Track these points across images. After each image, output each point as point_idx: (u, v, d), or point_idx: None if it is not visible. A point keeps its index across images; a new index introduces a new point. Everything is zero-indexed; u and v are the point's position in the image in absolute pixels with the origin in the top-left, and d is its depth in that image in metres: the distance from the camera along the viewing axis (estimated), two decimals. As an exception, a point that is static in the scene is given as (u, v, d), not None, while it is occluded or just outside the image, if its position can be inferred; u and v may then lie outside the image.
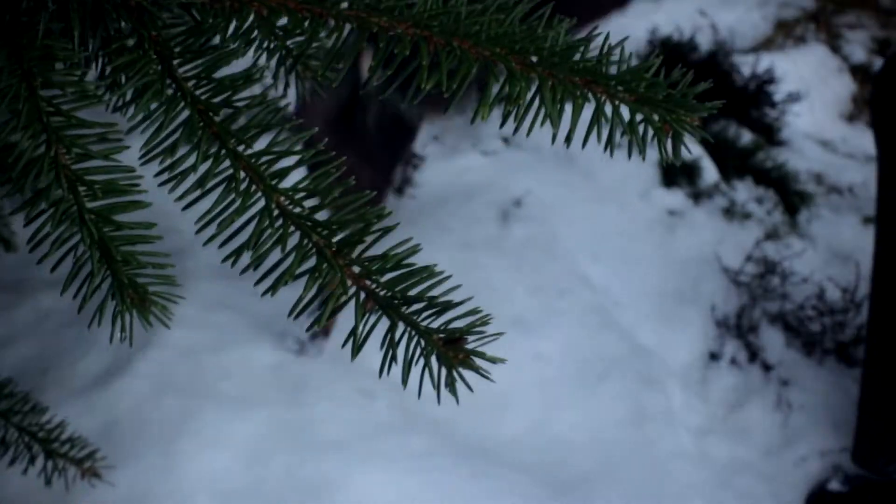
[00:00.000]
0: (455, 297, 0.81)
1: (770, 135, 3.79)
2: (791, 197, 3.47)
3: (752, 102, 3.74)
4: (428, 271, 0.82)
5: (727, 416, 2.88)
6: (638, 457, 2.71)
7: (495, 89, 0.85)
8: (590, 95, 0.86)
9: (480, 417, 2.59)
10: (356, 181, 2.46)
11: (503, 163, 3.39)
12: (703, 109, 0.85)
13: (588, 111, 0.85)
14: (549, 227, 3.18)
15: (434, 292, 0.82)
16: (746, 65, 3.92)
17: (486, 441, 2.56)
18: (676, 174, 3.43)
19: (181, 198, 0.83)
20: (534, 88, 0.86)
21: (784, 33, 4.37)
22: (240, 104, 0.85)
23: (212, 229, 0.84)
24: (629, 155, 0.88)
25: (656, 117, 0.85)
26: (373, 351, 0.83)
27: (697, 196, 3.41)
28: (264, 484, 2.34)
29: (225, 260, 0.84)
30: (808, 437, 2.85)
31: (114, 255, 0.82)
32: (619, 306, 3.05)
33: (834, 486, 2.65)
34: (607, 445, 2.72)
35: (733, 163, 3.54)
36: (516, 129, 0.87)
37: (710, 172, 3.50)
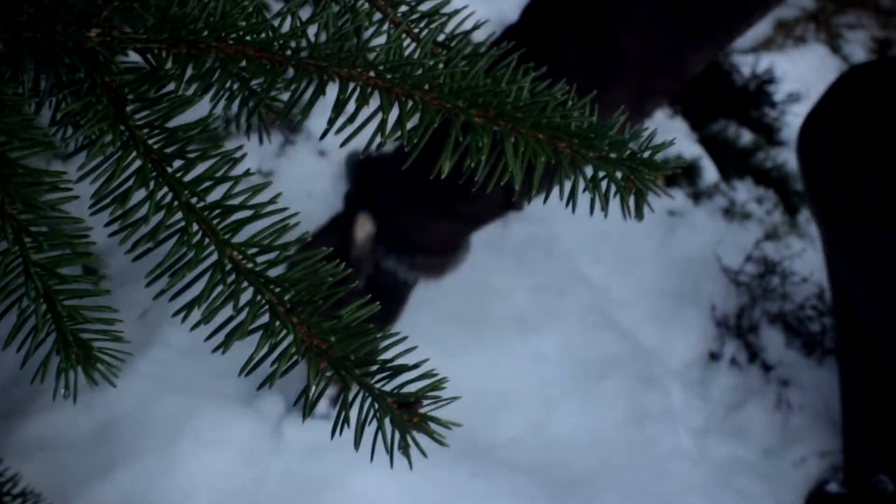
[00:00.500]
0: (410, 359, 0.78)
1: (770, 135, 3.77)
2: (791, 197, 3.45)
3: (752, 102, 3.72)
4: (384, 332, 0.79)
5: (727, 416, 2.86)
6: (638, 457, 2.69)
7: (456, 141, 0.82)
8: (552, 152, 0.82)
9: (480, 417, 2.57)
10: None
11: (503, 162, 3.34)
12: (665, 168, 0.83)
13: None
14: (549, 227, 3.14)
15: (389, 353, 0.79)
16: (746, 65, 3.88)
17: (486, 441, 2.53)
18: (676, 174, 3.40)
19: (132, 250, 0.80)
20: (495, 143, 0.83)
21: (784, 33, 4.34)
22: (193, 155, 0.81)
23: (162, 283, 0.80)
24: (591, 211, 0.85)
25: (619, 175, 0.82)
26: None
27: (697, 196, 3.39)
28: (264, 484, 2.31)
29: (175, 315, 0.81)
30: (807, 438, 2.82)
31: (59, 310, 0.78)
32: (619, 306, 3.02)
33: (833, 487, 2.63)
34: (607, 445, 2.69)
35: (733, 163, 3.52)
36: (476, 185, 0.84)
37: (710, 172, 3.48)
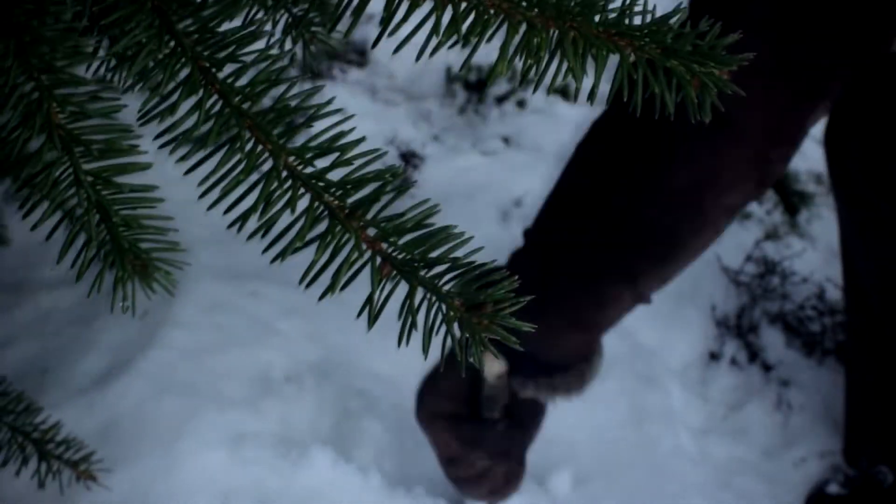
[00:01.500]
0: (478, 259, 0.76)
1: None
2: (791, 197, 3.44)
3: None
4: (448, 232, 0.76)
5: (727, 416, 2.84)
6: (638, 457, 2.66)
7: (515, 42, 0.80)
8: (614, 48, 0.80)
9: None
10: (492, 478, 2.26)
11: (503, 163, 3.35)
12: (733, 62, 0.79)
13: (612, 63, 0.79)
14: (549, 228, 3.10)
15: (455, 254, 0.76)
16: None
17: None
18: None
19: (183, 159, 0.77)
20: (554, 42, 0.80)
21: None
22: (245, 59, 0.79)
23: (215, 193, 0.77)
24: (655, 114, 0.82)
25: (684, 69, 0.79)
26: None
27: None
28: (264, 484, 2.28)
29: (231, 226, 0.77)
30: (807, 438, 2.80)
31: (113, 218, 0.75)
32: (619, 306, 2.99)
33: (833, 488, 2.62)
34: (607, 445, 2.67)
35: None
36: (536, 86, 0.81)
37: None
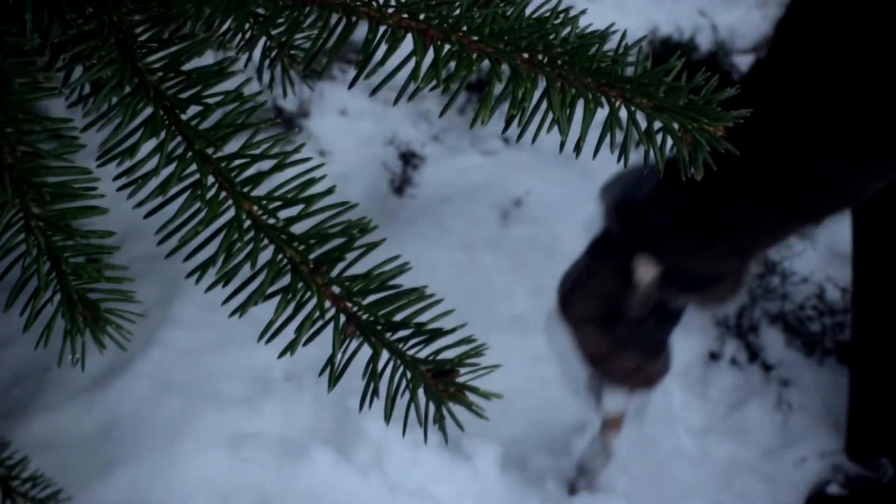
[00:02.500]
0: (447, 323, 0.70)
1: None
2: None
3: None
4: (417, 293, 0.70)
5: (727, 416, 2.82)
6: (638, 457, 2.64)
7: (498, 90, 0.74)
8: (603, 100, 0.73)
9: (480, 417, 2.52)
10: (647, 376, 2.29)
11: (503, 163, 3.32)
12: (728, 118, 0.73)
13: (600, 116, 0.73)
14: (549, 228, 3.10)
15: (423, 317, 0.70)
16: (746, 64, 3.83)
17: (486, 440, 2.47)
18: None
19: (141, 204, 0.71)
20: (541, 90, 0.74)
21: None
22: (211, 101, 0.72)
23: (174, 241, 0.72)
24: (644, 168, 0.76)
25: (676, 125, 0.73)
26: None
27: None
28: (264, 484, 2.24)
29: (189, 276, 0.72)
30: (808, 438, 2.77)
31: (63, 266, 0.69)
32: (619, 305, 2.97)
33: (833, 489, 2.59)
34: (607, 445, 2.62)
35: None
36: (520, 136, 0.75)
37: None
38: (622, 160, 0.74)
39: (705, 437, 2.77)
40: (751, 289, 3.09)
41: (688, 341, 2.94)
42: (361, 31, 0.77)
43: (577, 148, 0.74)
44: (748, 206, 1.99)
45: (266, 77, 0.94)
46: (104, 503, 2.09)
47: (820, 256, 3.27)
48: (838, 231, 3.33)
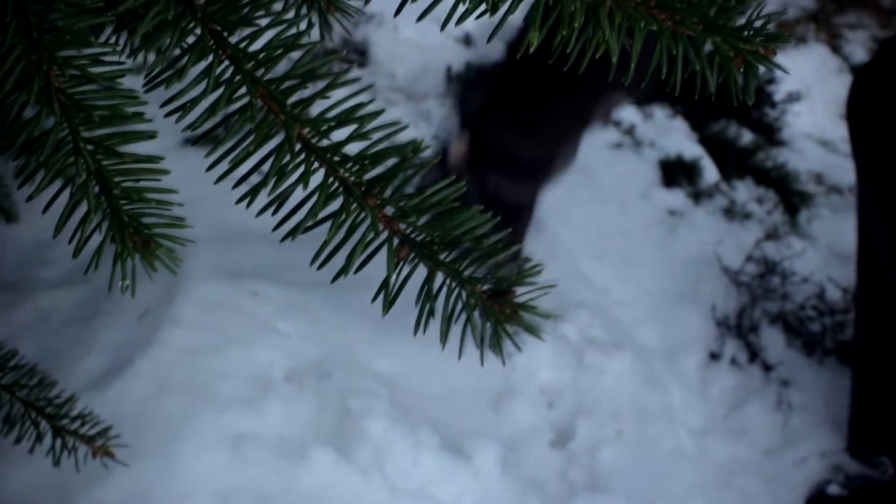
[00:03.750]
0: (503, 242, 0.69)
1: (770, 135, 3.76)
2: (791, 197, 3.43)
3: (753, 102, 3.68)
4: (471, 213, 0.69)
5: (727, 416, 2.82)
6: (638, 457, 2.63)
7: (545, 13, 0.73)
8: (653, 21, 0.73)
9: (480, 416, 2.53)
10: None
11: (503, 163, 3.32)
12: (782, 39, 0.72)
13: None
14: (549, 227, 3.08)
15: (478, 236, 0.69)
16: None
17: (486, 441, 2.46)
18: (677, 174, 3.38)
19: (190, 128, 0.71)
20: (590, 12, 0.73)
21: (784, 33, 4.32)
22: (259, 22, 0.72)
23: (224, 166, 0.71)
24: (696, 95, 0.75)
25: (727, 47, 0.72)
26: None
27: (697, 196, 3.36)
28: (264, 484, 2.23)
29: (239, 201, 0.71)
30: (808, 438, 2.77)
31: (114, 189, 0.69)
32: (619, 306, 2.97)
33: (833, 489, 2.60)
34: (608, 445, 2.63)
35: (733, 163, 3.50)
36: (567, 61, 0.74)
37: (710, 172, 3.46)
38: (671, 85, 0.73)
39: (705, 437, 2.76)
40: (751, 289, 3.10)
41: (688, 341, 2.95)
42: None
43: (627, 72, 0.73)
44: (548, 104, 2.39)
45: (304, 19, 0.93)
46: (104, 503, 2.06)
47: (820, 256, 3.28)
48: (838, 231, 3.35)
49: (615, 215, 3.23)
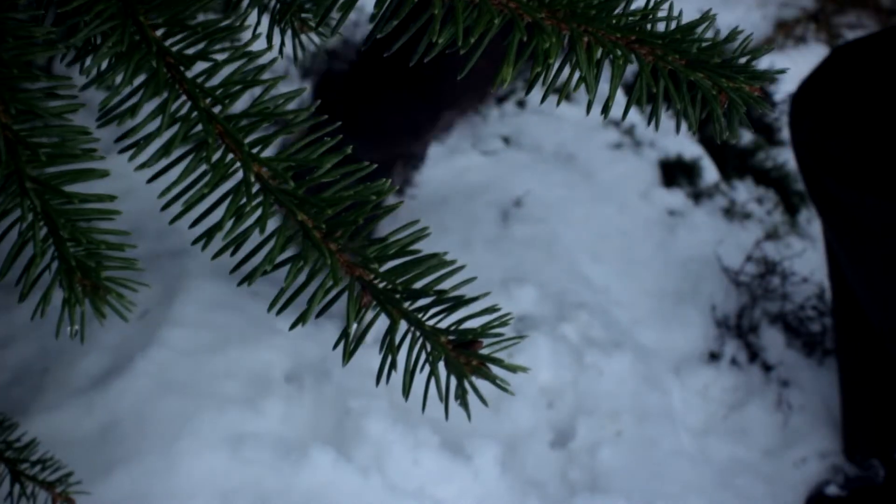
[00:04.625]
0: (469, 291, 0.64)
1: (770, 135, 3.72)
2: (791, 197, 3.41)
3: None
4: (437, 260, 0.65)
5: (727, 416, 2.80)
6: (638, 457, 2.60)
7: (519, 48, 0.68)
8: (633, 57, 0.68)
9: (480, 417, 2.50)
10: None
11: (503, 163, 3.30)
12: (766, 77, 0.68)
13: (628, 75, 0.68)
14: (549, 227, 3.07)
15: (444, 285, 0.65)
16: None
17: (486, 441, 2.44)
18: (676, 174, 3.35)
19: (143, 167, 0.66)
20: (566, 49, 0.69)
21: (784, 33, 4.30)
22: (217, 57, 0.67)
23: (178, 206, 0.66)
24: (677, 129, 0.70)
25: (710, 84, 0.68)
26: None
27: (697, 196, 3.33)
28: (264, 484, 2.21)
29: (195, 243, 0.66)
30: (808, 438, 2.75)
31: (61, 231, 0.64)
32: (619, 306, 2.95)
33: (832, 490, 2.58)
34: (608, 445, 2.61)
35: (733, 163, 3.47)
36: (544, 97, 0.70)
37: (710, 172, 3.43)
38: (652, 122, 0.69)
39: (705, 437, 2.74)
40: (751, 289, 3.07)
41: (688, 341, 2.93)
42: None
43: (606, 108, 0.69)
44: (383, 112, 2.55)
45: (276, 40, 0.88)
46: (104, 503, 2.04)
47: (820, 256, 3.24)
48: (838, 231, 3.32)
49: (615, 215, 3.20)
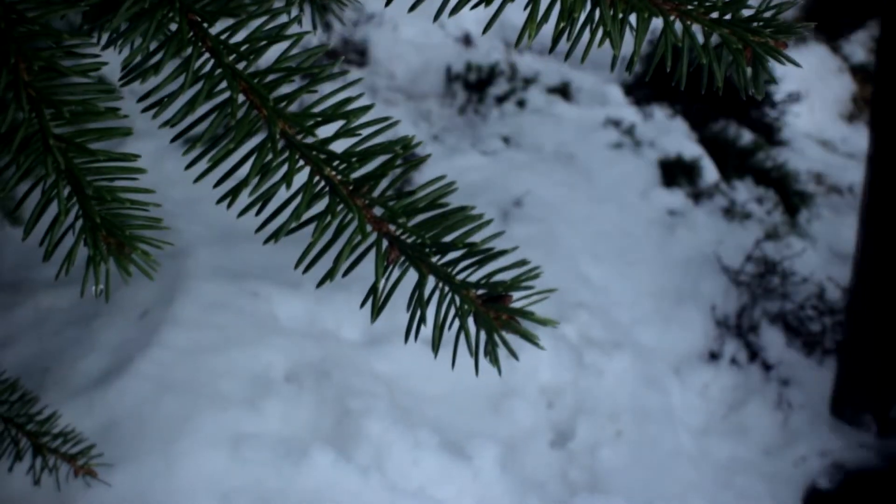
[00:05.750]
0: (498, 244, 0.64)
1: (770, 135, 3.74)
2: (791, 197, 3.43)
3: (752, 102, 3.66)
4: (465, 214, 0.64)
5: (727, 415, 2.81)
6: (638, 457, 2.61)
7: (545, 3, 0.68)
8: (657, 12, 0.67)
9: (480, 417, 2.52)
10: None
11: (503, 163, 3.31)
12: (794, 31, 0.67)
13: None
14: (549, 227, 3.08)
15: (473, 239, 0.64)
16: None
17: (486, 441, 2.44)
18: (676, 174, 3.36)
19: (167, 125, 0.66)
20: (589, 5, 0.68)
21: (784, 34, 4.30)
22: (241, 12, 0.67)
23: (203, 164, 0.66)
24: (702, 88, 0.69)
25: (736, 39, 0.67)
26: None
27: (697, 196, 3.34)
28: (264, 484, 2.20)
29: (220, 201, 0.66)
30: (808, 437, 2.77)
31: (86, 189, 0.63)
32: (619, 306, 2.95)
33: (823, 483, 2.59)
34: (608, 445, 2.60)
35: (733, 163, 3.49)
36: (569, 52, 0.69)
37: (710, 172, 3.44)
38: (678, 83, 0.68)
39: (705, 436, 2.75)
40: (751, 289, 3.08)
41: (688, 341, 2.94)
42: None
43: (630, 65, 0.68)
44: None
45: (295, 11, 0.88)
46: (104, 503, 2.03)
47: (820, 256, 3.26)
48: (838, 231, 3.33)
49: (615, 215, 3.21)
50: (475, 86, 3.41)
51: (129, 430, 2.26)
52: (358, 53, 3.48)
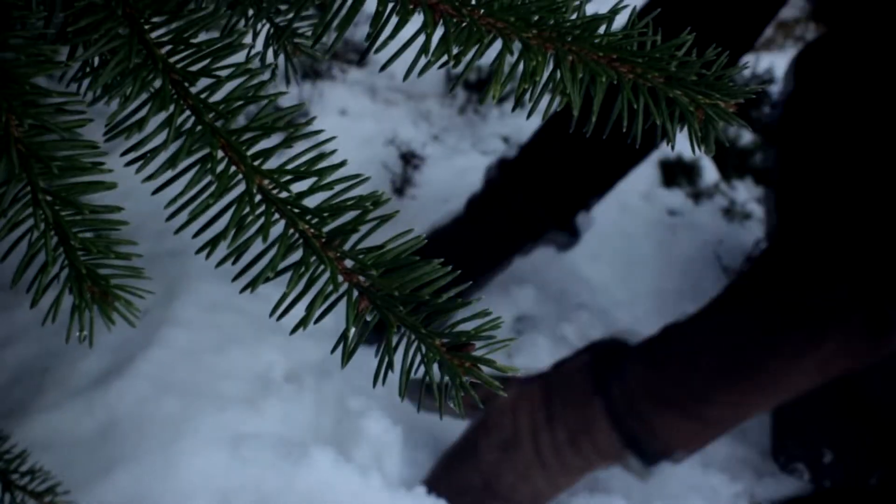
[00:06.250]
0: (462, 296, 0.68)
1: (770, 135, 3.74)
2: None
3: (752, 102, 3.67)
4: (431, 267, 0.69)
5: None
6: (637, 457, 2.60)
7: (508, 66, 0.72)
8: (614, 75, 0.72)
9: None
10: None
11: (503, 163, 3.32)
12: (740, 94, 0.72)
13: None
14: (550, 227, 3.06)
15: (440, 290, 0.69)
16: (746, 65, 3.83)
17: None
18: (677, 174, 3.36)
19: (150, 179, 0.70)
20: (551, 66, 0.73)
21: (784, 33, 4.29)
22: (220, 73, 0.71)
23: (184, 216, 0.70)
24: (656, 143, 0.74)
25: (687, 100, 0.72)
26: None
27: (697, 196, 3.34)
28: (264, 484, 2.23)
29: (199, 251, 0.70)
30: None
31: (71, 241, 0.68)
32: (619, 306, 2.96)
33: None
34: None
35: (733, 163, 3.48)
36: (531, 112, 0.74)
37: (710, 172, 3.44)
38: (631, 137, 0.73)
39: (705, 437, 2.74)
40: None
41: (687, 341, 2.94)
42: (369, 7, 0.76)
43: (589, 123, 0.73)
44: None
45: (268, 69, 0.92)
46: (104, 503, 2.06)
47: (819, 256, 3.27)
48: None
49: (615, 215, 3.21)
50: (475, 86, 3.42)
51: (129, 430, 2.26)
52: (358, 53, 3.49)
